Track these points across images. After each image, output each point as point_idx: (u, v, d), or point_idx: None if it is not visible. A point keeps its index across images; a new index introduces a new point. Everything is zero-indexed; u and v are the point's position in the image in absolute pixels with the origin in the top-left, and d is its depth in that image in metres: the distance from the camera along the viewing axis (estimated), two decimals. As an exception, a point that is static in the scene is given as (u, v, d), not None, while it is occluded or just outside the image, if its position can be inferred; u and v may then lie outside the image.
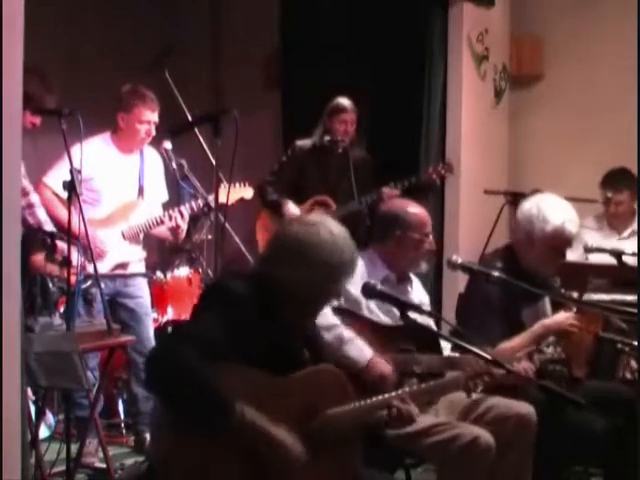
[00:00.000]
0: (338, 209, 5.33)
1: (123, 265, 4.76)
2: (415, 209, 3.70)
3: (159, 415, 2.59)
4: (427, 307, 3.75)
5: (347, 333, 3.29)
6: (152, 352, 2.65)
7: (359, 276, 3.46)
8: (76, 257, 3.96)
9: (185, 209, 4.74)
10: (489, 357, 2.93)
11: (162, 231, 4.86)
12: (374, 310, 3.47)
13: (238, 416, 2.46)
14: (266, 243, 2.86)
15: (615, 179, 5.24)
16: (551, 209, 3.75)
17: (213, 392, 2.45)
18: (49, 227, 4.15)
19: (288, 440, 2.55)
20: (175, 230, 4.77)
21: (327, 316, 3.27)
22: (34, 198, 4.17)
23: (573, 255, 4.57)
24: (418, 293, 3.78)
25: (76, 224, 3.91)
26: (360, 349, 3.28)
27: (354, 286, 3.26)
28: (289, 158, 5.60)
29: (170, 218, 4.74)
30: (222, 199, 3.92)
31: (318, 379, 2.70)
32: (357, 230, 5.12)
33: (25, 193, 4.08)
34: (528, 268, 3.78)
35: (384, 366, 3.26)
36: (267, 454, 2.53)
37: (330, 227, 2.75)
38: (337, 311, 3.35)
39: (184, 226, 4.79)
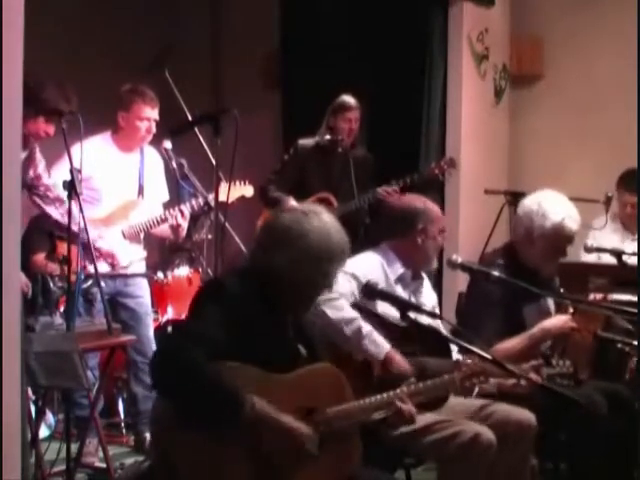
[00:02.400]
0: (339, 207, 5.33)
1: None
2: (432, 204, 3.73)
3: (160, 414, 2.59)
4: (436, 308, 3.75)
5: (365, 326, 3.32)
6: (157, 353, 2.63)
7: (377, 273, 3.48)
8: (77, 257, 3.97)
9: (186, 207, 4.74)
10: (491, 358, 2.94)
11: (163, 230, 4.86)
12: (388, 308, 3.45)
13: (249, 407, 2.47)
14: (258, 233, 2.88)
15: (633, 181, 5.14)
16: (551, 205, 3.74)
17: (224, 387, 2.46)
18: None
19: (300, 427, 2.57)
20: (176, 229, 4.77)
21: (346, 310, 3.32)
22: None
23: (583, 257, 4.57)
24: (429, 292, 3.78)
25: (76, 223, 3.92)
26: (378, 343, 3.31)
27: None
28: (291, 157, 5.60)
29: (164, 219, 4.74)
30: (222, 198, 3.92)
31: (317, 377, 2.71)
32: (358, 229, 5.13)
33: (61, 201, 4.11)
34: (529, 266, 3.77)
35: (401, 361, 3.29)
36: (279, 443, 2.54)
37: (318, 215, 2.76)
38: (354, 307, 3.37)
39: (185, 224, 4.79)
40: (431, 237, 3.63)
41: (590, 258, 4.56)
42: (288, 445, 2.56)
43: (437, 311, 3.67)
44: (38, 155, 4.13)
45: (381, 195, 5.29)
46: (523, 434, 3.32)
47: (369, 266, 3.52)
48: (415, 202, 3.73)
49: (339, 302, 3.29)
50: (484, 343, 3.20)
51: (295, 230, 2.72)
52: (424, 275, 3.77)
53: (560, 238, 3.74)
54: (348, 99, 5.48)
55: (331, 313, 3.26)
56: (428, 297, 3.73)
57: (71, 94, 3.97)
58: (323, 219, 2.76)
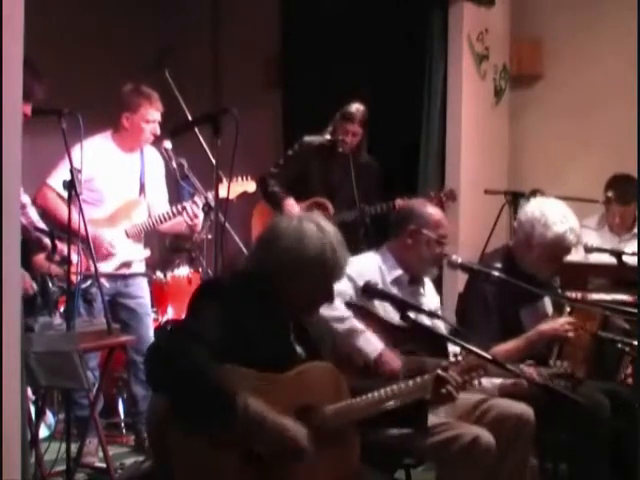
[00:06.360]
0: (336, 214, 5.28)
1: (127, 264, 4.76)
2: (433, 210, 3.69)
3: (155, 413, 2.59)
4: (438, 310, 3.71)
5: (358, 325, 3.31)
6: (151, 350, 2.62)
7: (373, 273, 3.47)
8: (77, 257, 3.98)
9: (198, 199, 4.72)
10: (490, 357, 2.93)
11: (173, 225, 4.84)
12: (387, 308, 3.44)
13: (242, 409, 2.45)
14: (256, 238, 2.88)
15: (623, 189, 5.12)
16: (554, 216, 3.73)
17: (217, 388, 2.45)
18: (41, 226, 4.13)
19: (293, 427, 2.55)
20: (193, 219, 4.74)
21: (339, 308, 3.30)
22: (25, 199, 4.15)
23: (574, 256, 4.57)
24: (430, 296, 3.75)
25: (78, 224, 3.92)
26: (370, 342, 3.30)
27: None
28: (295, 152, 5.55)
29: (180, 211, 4.72)
30: (223, 195, 3.93)
31: (313, 376, 2.70)
32: (358, 230, 5.12)
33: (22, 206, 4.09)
34: (525, 270, 3.78)
35: (393, 361, 3.28)
36: (272, 443, 2.53)
37: (318, 224, 2.76)
38: (350, 306, 3.37)
39: (201, 215, 4.76)
40: (424, 241, 3.57)
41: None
42: (281, 446, 2.54)
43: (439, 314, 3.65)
44: None
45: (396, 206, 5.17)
46: (522, 428, 3.31)
47: (366, 267, 3.51)
48: (416, 204, 3.72)
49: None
50: (482, 343, 3.19)
51: (294, 239, 2.72)
52: (426, 280, 3.73)
53: (559, 249, 3.75)
54: (353, 110, 5.36)
55: (324, 311, 3.23)
56: (429, 301, 3.70)
57: (41, 74, 3.93)
58: (319, 228, 2.75)
